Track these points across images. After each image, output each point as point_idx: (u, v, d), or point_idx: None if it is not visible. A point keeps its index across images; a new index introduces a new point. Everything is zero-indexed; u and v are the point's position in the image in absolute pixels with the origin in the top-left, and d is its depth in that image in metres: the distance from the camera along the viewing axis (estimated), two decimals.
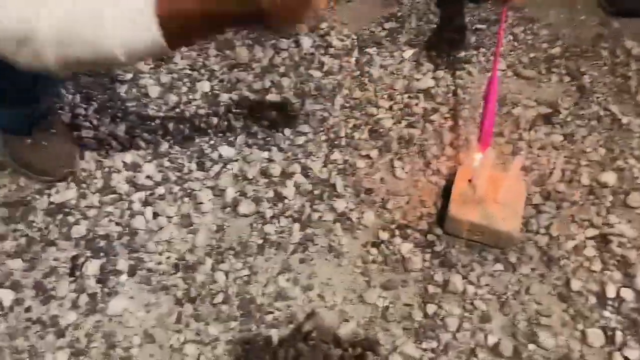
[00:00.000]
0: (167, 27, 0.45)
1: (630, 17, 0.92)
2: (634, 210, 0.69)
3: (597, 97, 0.82)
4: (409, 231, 0.69)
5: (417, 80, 0.86)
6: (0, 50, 0.45)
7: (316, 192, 0.74)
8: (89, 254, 0.68)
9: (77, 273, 0.66)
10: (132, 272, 0.67)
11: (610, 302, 0.61)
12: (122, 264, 0.67)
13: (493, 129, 0.63)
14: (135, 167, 0.77)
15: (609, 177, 0.72)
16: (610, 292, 0.62)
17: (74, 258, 0.68)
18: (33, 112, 0.73)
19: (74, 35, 0.45)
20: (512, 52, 0.90)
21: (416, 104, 0.83)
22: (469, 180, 0.67)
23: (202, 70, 0.90)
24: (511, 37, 0.92)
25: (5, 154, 0.76)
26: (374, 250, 0.68)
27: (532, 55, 0.89)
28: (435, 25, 0.94)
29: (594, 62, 0.87)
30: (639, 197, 0.70)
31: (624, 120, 0.79)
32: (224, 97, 0.86)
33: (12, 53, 0.46)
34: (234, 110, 0.84)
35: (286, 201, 0.73)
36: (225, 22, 0.50)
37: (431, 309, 0.62)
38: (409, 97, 0.85)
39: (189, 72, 0.90)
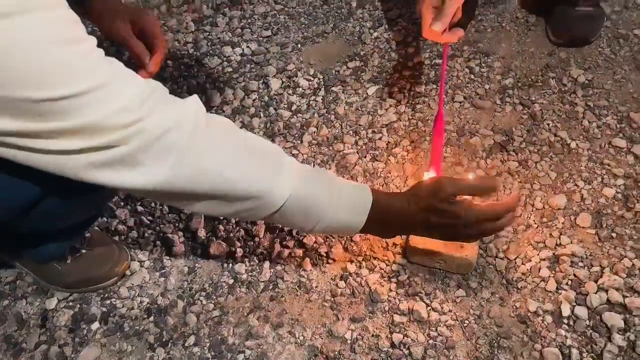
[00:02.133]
0: (368, 223, 0.58)
1: (575, 47, 1.03)
2: (584, 230, 0.76)
3: (548, 124, 0.91)
4: (375, 262, 0.74)
5: (381, 115, 0.95)
6: (204, 198, 0.50)
7: (286, 228, 0.79)
8: (62, 305, 0.72)
9: (48, 324, 0.70)
10: (104, 320, 0.71)
11: (565, 321, 0.67)
12: (95, 311, 0.71)
13: (441, 160, 0.69)
14: (109, 211, 0.82)
15: (560, 200, 0.79)
16: (565, 311, 0.67)
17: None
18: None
19: (296, 211, 0.54)
20: (469, 85, 0.99)
21: (380, 138, 0.91)
22: None
23: None
24: (467, 70, 1.01)
25: (36, 279, 0.72)
26: (342, 283, 0.72)
27: (487, 86, 0.98)
28: (396, 63, 1.03)
29: (543, 91, 0.96)
30: (587, 217, 0.77)
31: (573, 144, 0.87)
32: None
33: (212, 205, 0.50)
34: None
35: (256, 239, 0.78)
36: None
37: (397, 338, 0.66)
38: (373, 132, 0.92)
39: None
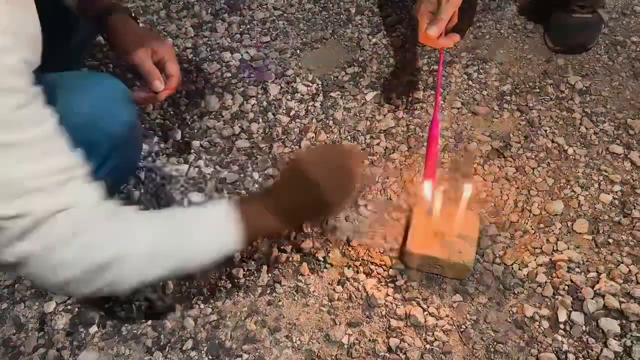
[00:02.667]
0: (245, 236, 0.54)
1: (573, 54, 1.04)
2: (581, 235, 0.77)
3: (545, 130, 0.92)
4: (372, 267, 0.75)
5: (379, 121, 0.96)
6: (66, 278, 0.46)
7: (283, 232, 0.80)
8: (60, 308, 0.73)
9: (46, 327, 0.71)
10: (102, 323, 0.71)
11: (562, 326, 0.68)
12: (93, 314, 0.72)
13: (436, 166, 0.70)
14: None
15: (557, 206, 0.80)
16: (562, 316, 0.68)
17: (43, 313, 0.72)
18: None
19: (163, 257, 0.50)
20: (467, 91, 1.00)
21: (378, 144, 0.92)
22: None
23: (174, 119, 0.99)
24: (465, 77, 1.03)
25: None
26: (339, 288, 0.73)
27: (484, 92, 0.99)
28: (394, 69, 1.05)
29: (541, 97, 0.98)
30: (585, 223, 0.78)
31: (570, 151, 0.88)
32: (195, 144, 0.94)
33: (79, 281, 0.46)
34: (204, 157, 0.92)
35: (254, 244, 0.79)
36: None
37: (394, 342, 0.67)
38: (371, 137, 0.94)
39: (161, 121, 0.99)
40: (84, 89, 0.56)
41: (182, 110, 1.01)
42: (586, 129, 0.92)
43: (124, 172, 0.60)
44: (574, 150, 0.88)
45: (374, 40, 1.11)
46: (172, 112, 1.00)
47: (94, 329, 0.71)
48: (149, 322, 0.71)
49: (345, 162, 0.59)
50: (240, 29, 1.16)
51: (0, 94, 0.39)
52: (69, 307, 0.73)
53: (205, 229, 0.53)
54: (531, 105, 0.96)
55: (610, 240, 0.76)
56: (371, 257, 0.76)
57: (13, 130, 0.40)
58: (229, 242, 0.54)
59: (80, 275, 0.46)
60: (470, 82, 1.02)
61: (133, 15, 0.69)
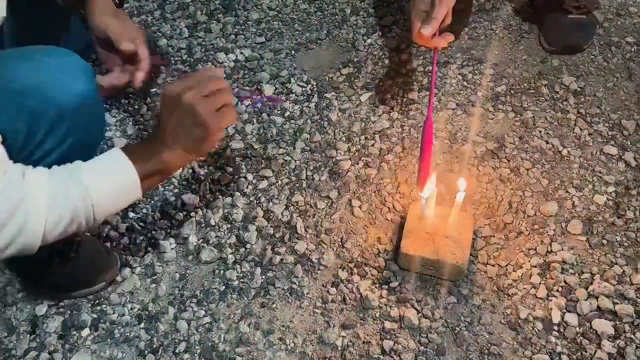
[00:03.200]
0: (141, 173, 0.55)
1: (568, 55, 1.05)
2: (575, 237, 0.77)
3: (540, 131, 0.92)
4: (366, 269, 0.75)
5: (373, 122, 0.96)
6: None
7: (277, 235, 0.80)
8: (52, 311, 0.73)
9: (38, 330, 0.71)
10: (94, 326, 0.71)
11: (555, 328, 0.68)
12: (85, 317, 0.72)
13: (430, 167, 0.71)
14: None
15: (551, 207, 0.80)
16: (556, 317, 0.69)
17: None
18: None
19: (63, 199, 0.50)
20: (462, 92, 1.01)
21: (372, 145, 0.93)
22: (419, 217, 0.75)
23: None
24: (460, 77, 1.03)
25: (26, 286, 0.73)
26: (333, 290, 0.74)
27: (479, 93, 1.00)
28: (389, 69, 1.05)
29: (536, 98, 0.98)
30: (579, 224, 0.78)
31: (564, 152, 0.89)
32: None
33: None
34: (198, 159, 0.92)
35: (248, 246, 0.79)
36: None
37: (388, 345, 0.68)
38: (366, 138, 0.94)
39: (155, 122, 0.99)
40: (39, 58, 0.56)
41: None
42: (580, 129, 0.92)
43: (81, 148, 0.60)
44: (569, 151, 0.89)
45: (369, 41, 1.11)
46: None
47: (86, 331, 0.71)
48: (142, 324, 0.71)
49: (214, 84, 0.59)
50: (235, 30, 1.16)
51: None
52: (61, 310, 0.73)
53: (101, 172, 0.55)
54: (526, 106, 0.97)
55: (604, 242, 0.77)
56: (365, 258, 0.76)
57: None
58: (126, 181, 0.55)
59: None
60: (465, 83, 1.02)
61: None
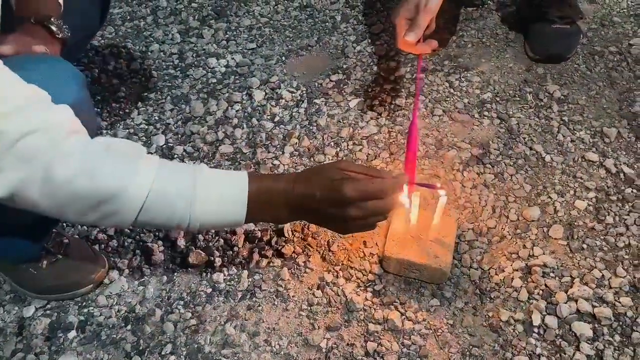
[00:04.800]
0: (251, 210, 0.56)
1: (552, 63, 1.08)
2: (556, 241, 0.80)
3: (524, 138, 0.95)
4: (352, 272, 0.77)
5: (361, 127, 0.99)
6: (70, 206, 0.49)
7: (265, 238, 0.82)
8: (39, 313, 0.74)
9: (25, 332, 0.72)
10: (81, 328, 0.72)
11: (535, 330, 0.70)
12: (72, 319, 0.73)
13: (415, 170, 0.73)
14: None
15: (534, 212, 0.83)
16: (536, 320, 0.71)
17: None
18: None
19: (161, 209, 0.53)
20: (448, 98, 1.04)
21: (360, 150, 0.95)
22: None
23: (158, 125, 1.01)
24: (447, 84, 1.06)
25: (13, 287, 0.74)
26: (319, 293, 0.75)
27: (466, 100, 1.03)
28: (378, 76, 1.08)
29: (520, 105, 1.01)
30: (560, 229, 0.81)
31: (547, 158, 0.92)
32: (179, 150, 0.96)
33: (80, 212, 0.50)
34: (187, 162, 0.94)
35: (235, 249, 0.81)
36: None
37: (371, 347, 0.69)
38: (354, 143, 0.96)
39: (145, 126, 1.01)
40: (30, 67, 0.56)
41: (166, 115, 1.03)
42: (563, 136, 0.95)
43: None
44: (551, 158, 0.91)
45: (358, 48, 1.14)
46: (156, 118, 1.02)
47: (72, 333, 0.72)
48: (129, 326, 0.72)
49: (387, 205, 0.59)
50: (227, 36, 1.19)
51: None
52: (47, 312, 0.74)
53: (214, 192, 0.55)
54: (511, 113, 1.00)
55: (585, 246, 0.79)
56: (351, 262, 0.78)
57: None
58: (232, 213, 0.57)
59: (77, 199, 0.49)
60: (452, 90, 1.05)
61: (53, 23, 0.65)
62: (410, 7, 0.76)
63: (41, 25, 0.65)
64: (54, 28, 0.65)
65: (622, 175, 0.88)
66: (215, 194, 0.56)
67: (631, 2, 1.21)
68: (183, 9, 1.25)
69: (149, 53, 1.15)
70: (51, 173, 0.48)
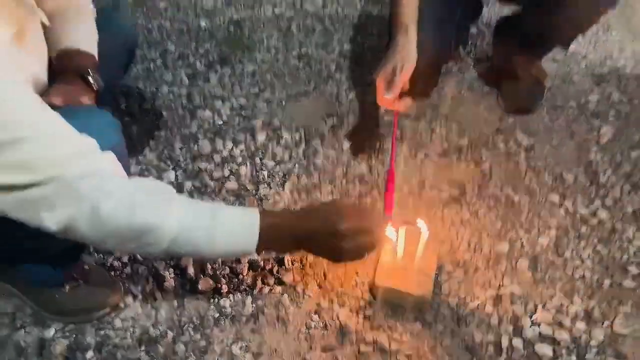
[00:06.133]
0: (262, 242, 0.65)
1: (521, 115, 1.25)
2: (522, 272, 0.93)
3: (495, 181, 1.10)
4: (345, 298, 0.88)
5: (354, 167, 1.12)
6: (113, 237, 0.59)
7: (267, 267, 0.93)
8: (59, 334, 0.82)
9: (45, 353, 0.79)
10: (98, 349, 0.81)
11: (504, 351, 0.82)
12: (89, 340, 0.81)
13: (392, 209, 0.85)
14: (105, 251, 0.93)
15: (504, 247, 0.97)
16: (505, 342, 0.83)
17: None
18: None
19: (188, 240, 0.62)
20: (430, 143, 1.19)
21: (352, 188, 1.08)
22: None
23: (168, 161, 1.12)
24: (429, 131, 1.22)
25: (36, 311, 0.82)
26: (315, 317, 0.86)
27: (445, 145, 1.18)
28: (368, 122, 1.23)
29: (493, 151, 1.17)
30: (525, 262, 0.95)
31: (516, 199, 1.07)
32: (187, 185, 1.07)
33: (121, 242, 0.60)
34: (195, 197, 1.05)
35: (240, 277, 0.91)
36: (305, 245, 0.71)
37: None
38: (347, 182, 1.09)
39: (156, 163, 1.12)
40: (82, 115, 0.67)
41: (176, 153, 1.14)
42: (530, 180, 1.11)
43: None
44: (519, 198, 1.06)
45: (351, 95, 1.30)
46: (167, 155, 1.14)
47: (90, 354, 0.80)
48: (143, 347, 0.81)
49: (372, 235, 0.69)
50: (232, 80, 1.33)
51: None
52: (66, 333, 0.83)
53: (230, 227, 0.64)
54: (484, 158, 1.15)
55: (547, 277, 0.93)
56: (345, 289, 0.89)
57: (36, 125, 0.54)
58: (246, 244, 0.65)
59: (119, 232, 0.58)
60: (433, 136, 1.21)
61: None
62: (388, 69, 0.92)
63: (80, 77, 0.76)
64: (91, 80, 0.76)
65: (578, 215, 1.03)
66: (230, 232, 0.65)
67: (589, 63, 1.41)
68: (190, 54, 1.39)
69: (159, 94, 1.28)
70: (98, 210, 0.57)
